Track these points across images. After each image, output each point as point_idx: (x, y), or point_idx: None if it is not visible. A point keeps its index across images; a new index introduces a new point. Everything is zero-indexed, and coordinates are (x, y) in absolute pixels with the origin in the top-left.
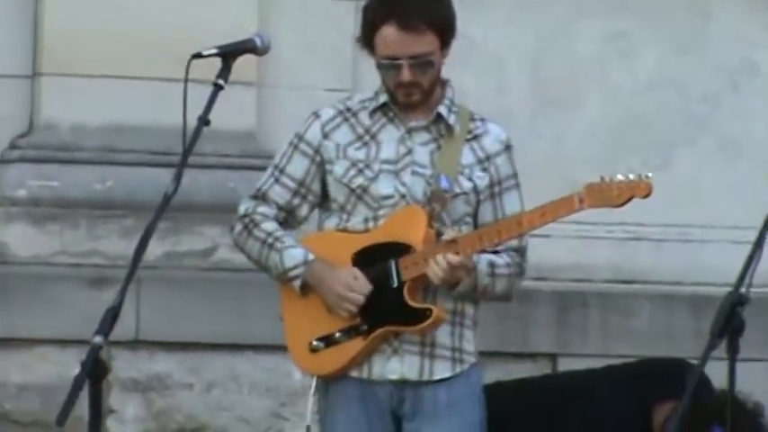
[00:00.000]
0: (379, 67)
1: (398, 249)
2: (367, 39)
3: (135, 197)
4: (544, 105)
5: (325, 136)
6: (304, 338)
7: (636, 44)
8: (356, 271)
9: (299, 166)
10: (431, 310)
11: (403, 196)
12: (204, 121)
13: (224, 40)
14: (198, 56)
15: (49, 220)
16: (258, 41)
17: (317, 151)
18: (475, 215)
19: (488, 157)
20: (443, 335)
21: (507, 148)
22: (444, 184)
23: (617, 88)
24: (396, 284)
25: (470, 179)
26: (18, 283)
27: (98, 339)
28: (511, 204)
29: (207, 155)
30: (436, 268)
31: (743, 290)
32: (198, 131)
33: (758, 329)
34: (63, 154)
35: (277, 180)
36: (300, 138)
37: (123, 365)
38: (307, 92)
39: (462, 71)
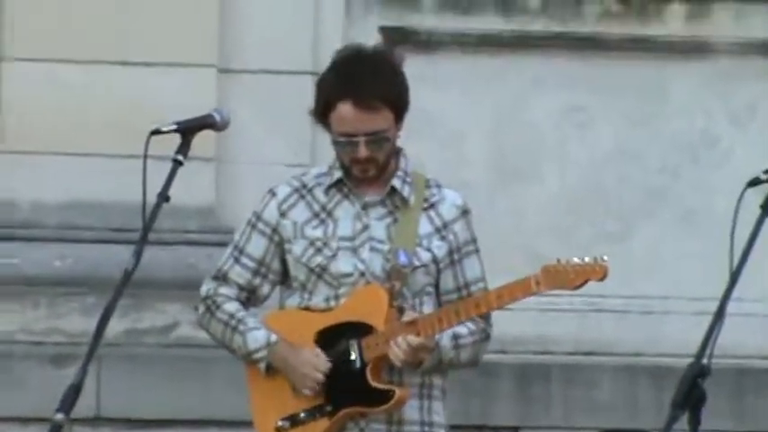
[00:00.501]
0: (335, 143)
1: (360, 329)
2: (321, 114)
3: (95, 274)
4: (503, 178)
5: (283, 215)
6: (270, 418)
7: (593, 117)
8: (317, 350)
9: (257, 246)
10: (393, 391)
11: (362, 274)
12: (164, 197)
13: (183, 116)
14: (157, 132)
15: (9, 297)
16: (217, 117)
17: (274, 230)
18: (436, 284)
19: (446, 225)
20: (411, 410)
21: (464, 213)
22: (402, 259)
23: (575, 160)
24: (359, 365)
25: (429, 250)
26: None
27: (59, 417)
28: (471, 270)
29: (167, 231)
30: (397, 351)
31: (704, 361)
32: (157, 208)
33: (720, 400)
34: (22, 231)
35: (237, 260)
36: (258, 217)
37: None
38: (266, 167)
39: (420, 144)
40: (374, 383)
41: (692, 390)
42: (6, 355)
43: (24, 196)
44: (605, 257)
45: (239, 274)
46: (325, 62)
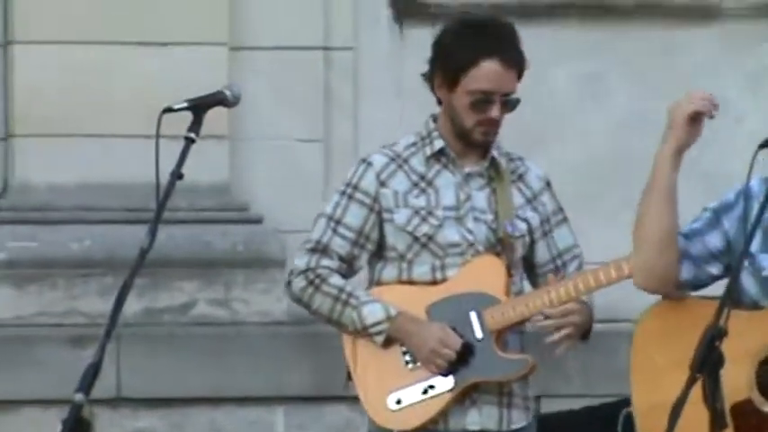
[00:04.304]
0: (470, 104)
1: (478, 300)
2: (457, 71)
3: (112, 255)
4: (523, 148)
5: (383, 184)
6: (383, 392)
7: (609, 83)
8: (445, 325)
9: (356, 216)
10: (527, 359)
11: (471, 244)
12: (177, 175)
13: (194, 94)
14: (168, 110)
15: (28, 280)
16: (228, 93)
17: (375, 200)
18: (526, 257)
19: (535, 196)
20: (516, 383)
21: (548, 184)
22: (509, 229)
23: (595, 127)
24: (481, 336)
25: (525, 220)
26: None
27: (79, 397)
28: (563, 239)
29: (181, 210)
30: (550, 315)
31: (721, 323)
32: (171, 186)
33: None
34: (39, 214)
35: (335, 231)
36: (355, 187)
37: (106, 423)
38: (279, 143)
39: None
40: (503, 354)
41: (709, 353)
42: (26, 337)
43: (40, 179)
44: None
45: (340, 245)
46: (335, 37)
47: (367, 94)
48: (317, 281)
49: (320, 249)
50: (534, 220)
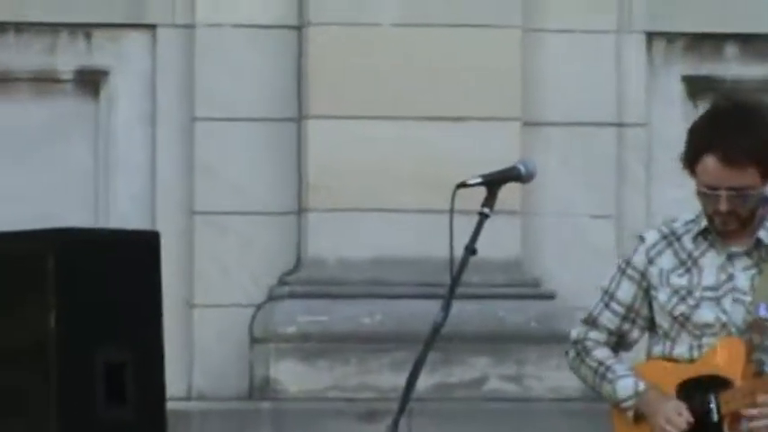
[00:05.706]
0: (698, 193)
1: (718, 382)
2: (689, 162)
3: (404, 329)
4: None
5: (650, 261)
6: None
7: None
8: (682, 406)
9: (627, 292)
10: None
11: (724, 325)
12: (471, 250)
13: (487, 170)
14: (463, 185)
15: (318, 355)
16: (522, 169)
17: (643, 276)
18: None
19: None
20: None
21: None
22: (763, 312)
23: None
24: (715, 419)
25: None
26: (290, 419)
27: None
28: None
29: (474, 285)
30: (756, 413)
31: None
32: (465, 261)
33: None
34: (331, 289)
35: (607, 305)
36: (627, 262)
37: None
38: (570, 219)
39: None
40: None
41: None
42: (318, 411)
43: (332, 253)
44: None
45: (609, 319)
46: (628, 113)
47: (660, 171)
48: (583, 353)
49: (590, 322)
50: None
